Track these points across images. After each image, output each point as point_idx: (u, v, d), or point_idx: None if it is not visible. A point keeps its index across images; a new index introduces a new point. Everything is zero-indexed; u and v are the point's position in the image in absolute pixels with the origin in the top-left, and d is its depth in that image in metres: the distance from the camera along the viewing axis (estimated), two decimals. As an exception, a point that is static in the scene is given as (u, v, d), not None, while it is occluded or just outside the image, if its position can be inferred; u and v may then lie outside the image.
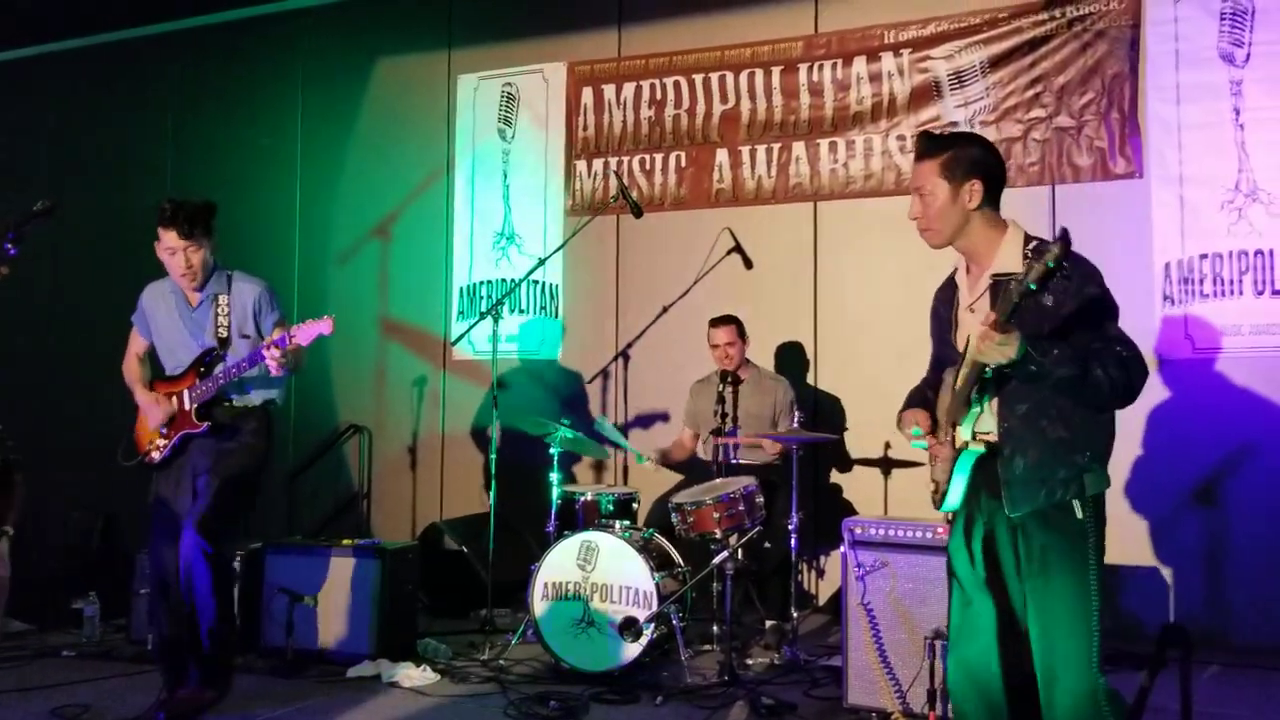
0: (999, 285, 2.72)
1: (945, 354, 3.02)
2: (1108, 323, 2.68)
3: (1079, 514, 2.69)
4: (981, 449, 2.77)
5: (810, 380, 6.42)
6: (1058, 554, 2.69)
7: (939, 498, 2.91)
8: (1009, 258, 2.77)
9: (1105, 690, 2.68)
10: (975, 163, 2.84)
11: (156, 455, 4.33)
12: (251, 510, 4.63)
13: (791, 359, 6.43)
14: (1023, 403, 2.71)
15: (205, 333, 4.29)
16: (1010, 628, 2.81)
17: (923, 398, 3.05)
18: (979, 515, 2.85)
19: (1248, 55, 5.50)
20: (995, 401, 2.76)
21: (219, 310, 4.26)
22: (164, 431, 4.31)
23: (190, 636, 4.21)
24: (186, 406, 4.26)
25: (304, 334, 3.95)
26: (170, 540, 4.22)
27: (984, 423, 2.78)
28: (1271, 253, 5.36)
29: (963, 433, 2.80)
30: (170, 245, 4.20)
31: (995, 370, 2.66)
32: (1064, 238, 2.39)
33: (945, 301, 3.04)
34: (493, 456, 5.68)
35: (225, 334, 4.25)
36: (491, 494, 5.70)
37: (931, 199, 2.83)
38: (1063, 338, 2.62)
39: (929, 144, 2.89)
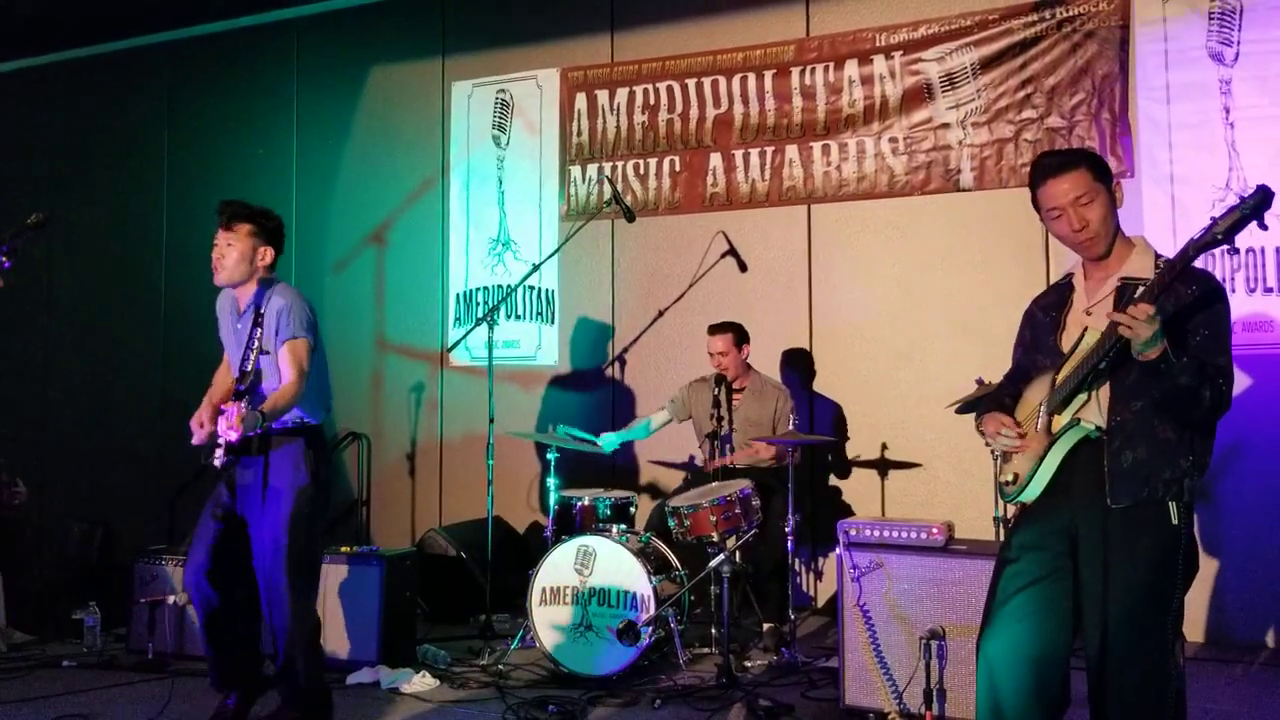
0: (1126, 288, 2.76)
1: (1032, 362, 3.03)
2: (1222, 353, 2.71)
3: (1174, 518, 2.72)
4: (1088, 429, 2.77)
5: (807, 382, 6.43)
6: (1148, 549, 2.71)
7: (1016, 489, 2.92)
8: (1140, 266, 2.81)
9: (1177, 687, 2.70)
10: (1108, 169, 2.91)
11: (217, 462, 4.00)
12: (319, 544, 4.33)
13: (790, 363, 6.44)
14: (1139, 399, 2.73)
15: (242, 346, 4.03)
16: (1075, 615, 2.81)
17: (1000, 404, 3.07)
18: (1062, 506, 2.85)
19: (1236, 54, 5.52)
20: (1105, 395, 2.77)
21: (253, 332, 3.97)
22: (218, 441, 4.03)
23: (279, 664, 4.07)
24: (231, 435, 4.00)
25: (226, 430, 3.69)
26: (206, 549, 4.08)
27: (1088, 412, 2.78)
28: (1263, 250, 5.38)
29: (1061, 420, 2.82)
30: (215, 237, 4.13)
31: (1112, 361, 2.69)
32: (1263, 190, 2.43)
33: (1052, 306, 3.04)
34: (489, 462, 5.69)
35: (249, 365, 3.92)
36: (489, 500, 5.71)
37: (1094, 207, 2.82)
38: (1182, 347, 2.65)
39: (1071, 154, 2.92)
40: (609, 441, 6.04)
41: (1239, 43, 5.51)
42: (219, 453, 3.85)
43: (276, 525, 3.99)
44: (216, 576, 4.07)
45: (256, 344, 3.90)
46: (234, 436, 3.67)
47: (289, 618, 3.98)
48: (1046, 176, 2.86)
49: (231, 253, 4.09)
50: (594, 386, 6.96)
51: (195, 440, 4.07)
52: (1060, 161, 2.87)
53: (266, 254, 4.16)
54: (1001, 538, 5.23)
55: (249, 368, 3.91)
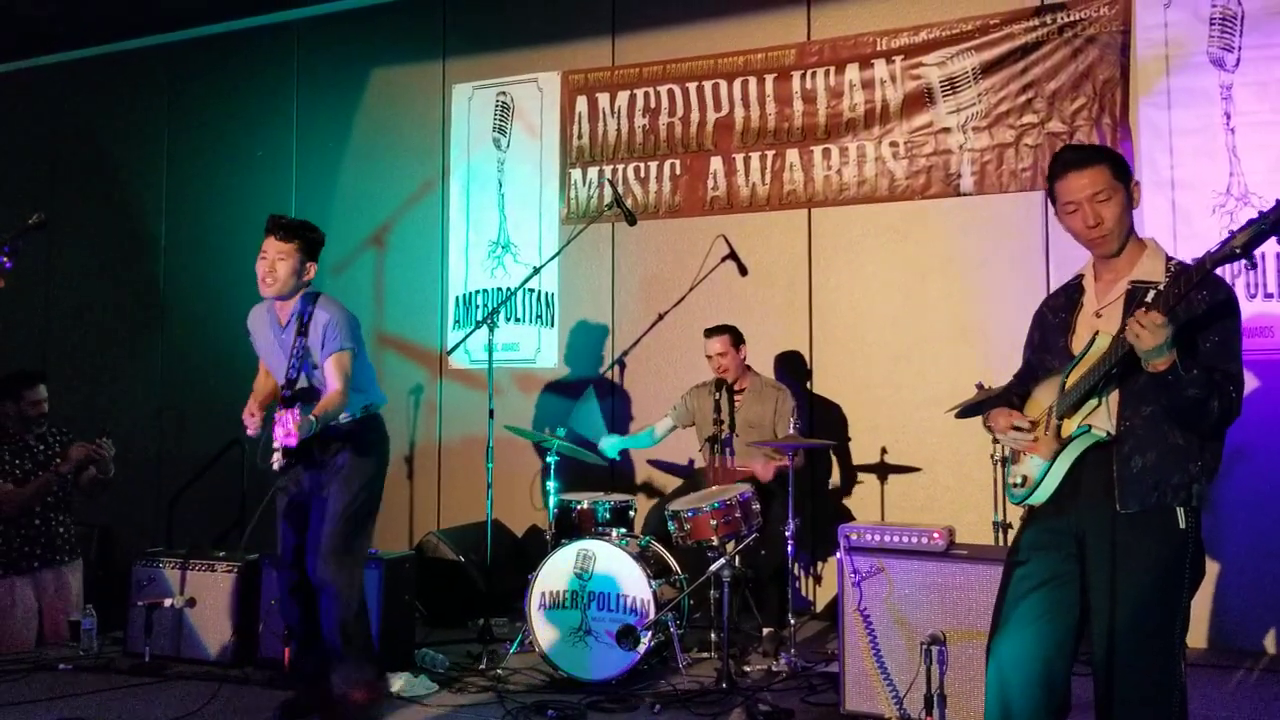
0: (1136, 291, 2.76)
1: (1041, 362, 3.03)
2: (1233, 361, 2.72)
3: (1182, 523, 2.71)
4: (1099, 435, 2.77)
5: (807, 386, 6.43)
6: (1156, 554, 2.71)
7: (1025, 492, 2.91)
8: (1151, 269, 2.81)
9: (1182, 689, 2.69)
10: (1128, 169, 2.91)
11: (276, 467, 4.16)
12: (373, 525, 4.57)
13: (791, 368, 6.43)
14: (1149, 404, 2.73)
15: (290, 356, 4.26)
16: (1082, 619, 2.81)
17: (1008, 404, 3.07)
18: (1070, 510, 2.85)
19: (1237, 60, 5.52)
20: (1115, 400, 2.77)
21: (296, 342, 4.24)
22: (275, 446, 4.20)
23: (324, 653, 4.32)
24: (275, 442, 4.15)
25: (283, 438, 3.84)
26: (297, 536, 4.33)
27: (1098, 418, 2.78)
28: (1264, 256, 5.38)
29: (1071, 426, 2.81)
30: (264, 249, 4.25)
31: (1123, 366, 2.69)
32: None
33: (1061, 308, 3.04)
34: (489, 466, 5.68)
35: (294, 374, 4.22)
36: (488, 503, 5.70)
37: (1110, 204, 2.82)
38: (1191, 355, 2.65)
39: (1093, 151, 2.93)
40: (610, 446, 6.02)
41: (1240, 48, 5.51)
42: (276, 457, 4.00)
43: (338, 507, 4.24)
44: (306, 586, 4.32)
45: (303, 354, 4.15)
46: (293, 441, 3.82)
47: (338, 600, 4.19)
48: (1067, 170, 2.87)
49: (284, 267, 4.24)
50: (593, 389, 6.94)
51: (250, 431, 4.24)
52: (1082, 156, 2.88)
53: (311, 269, 4.35)
54: (1002, 542, 5.23)
55: (295, 377, 4.17)
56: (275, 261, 4.23)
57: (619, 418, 6.83)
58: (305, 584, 4.32)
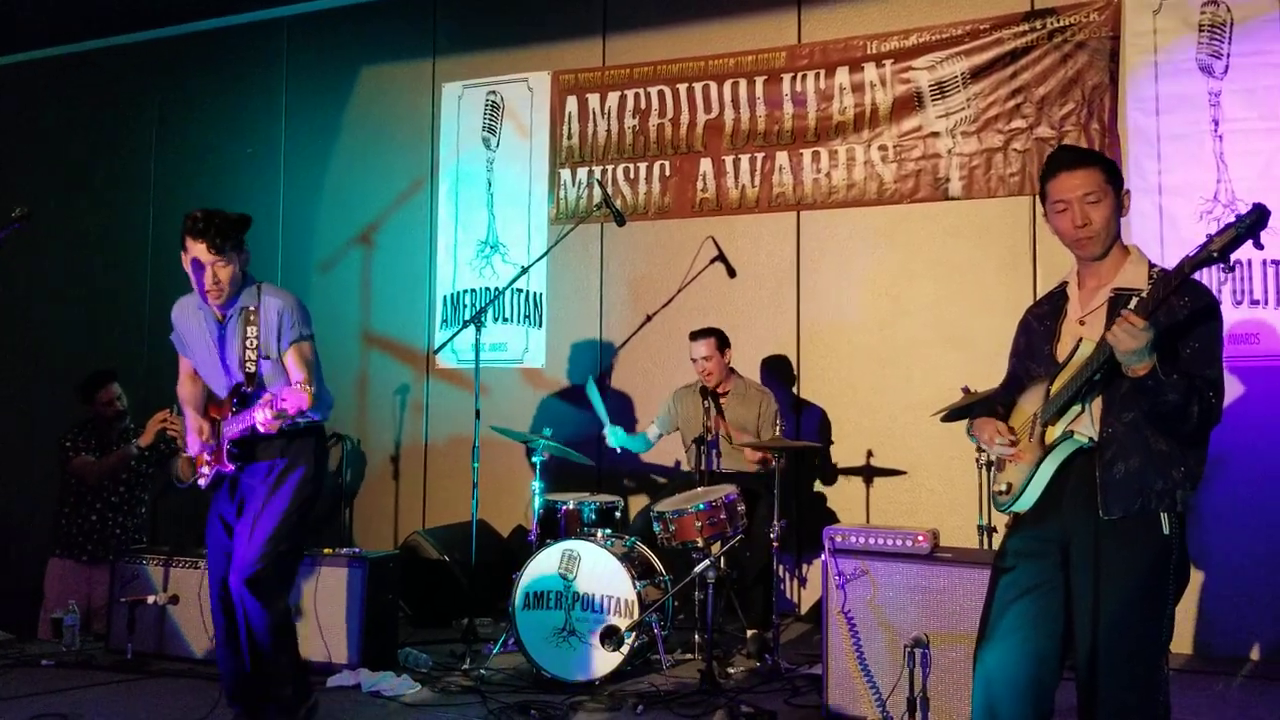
0: (1120, 298, 2.76)
1: (1026, 370, 3.04)
2: (1212, 367, 2.72)
3: (1165, 529, 2.71)
4: (1081, 441, 2.77)
5: (793, 389, 6.43)
6: (1140, 560, 2.71)
7: (1010, 499, 2.92)
8: (1133, 276, 2.82)
9: (1166, 696, 2.70)
10: (1121, 176, 2.93)
11: (202, 482, 4.09)
12: (305, 544, 4.33)
13: (776, 371, 6.44)
14: (1130, 410, 2.73)
15: (234, 352, 3.95)
16: (1069, 627, 2.80)
17: (993, 411, 3.07)
18: (1054, 517, 2.85)
19: (1226, 67, 5.54)
20: (1098, 406, 2.78)
21: (247, 332, 3.90)
22: (207, 459, 4.05)
23: (261, 681, 4.01)
24: (222, 441, 3.98)
25: (291, 403, 3.59)
26: (225, 559, 4.01)
27: (1081, 424, 2.79)
28: (1250, 263, 5.40)
29: (1055, 432, 2.82)
30: (199, 258, 3.85)
31: (1105, 373, 2.69)
32: (1260, 209, 2.43)
33: (1046, 315, 3.05)
34: (474, 465, 5.67)
35: (253, 367, 3.89)
36: (473, 503, 5.69)
37: (1100, 207, 2.83)
38: (1172, 361, 2.65)
39: (1088, 153, 2.96)
40: (616, 436, 5.95)
41: (1229, 55, 5.53)
42: (204, 470, 3.96)
43: (271, 522, 3.92)
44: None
45: (255, 344, 3.85)
46: (276, 427, 3.71)
47: (267, 617, 3.91)
48: (1060, 169, 2.88)
49: (226, 273, 3.89)
50: (581, 390, 6.93)
51: (192, 450, 4.09)
52: (1077, 157, 2.91)
53: (247, 259, 4.02)
54: (987, 546, 5.23)
55: (251, 370, 3.88)
56: (215, 270, 3.86)
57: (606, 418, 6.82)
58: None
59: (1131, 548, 2.71)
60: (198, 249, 3.84)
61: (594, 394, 5.84)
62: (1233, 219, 2.46)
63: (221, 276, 3.88)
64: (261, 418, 3.66)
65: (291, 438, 4.03)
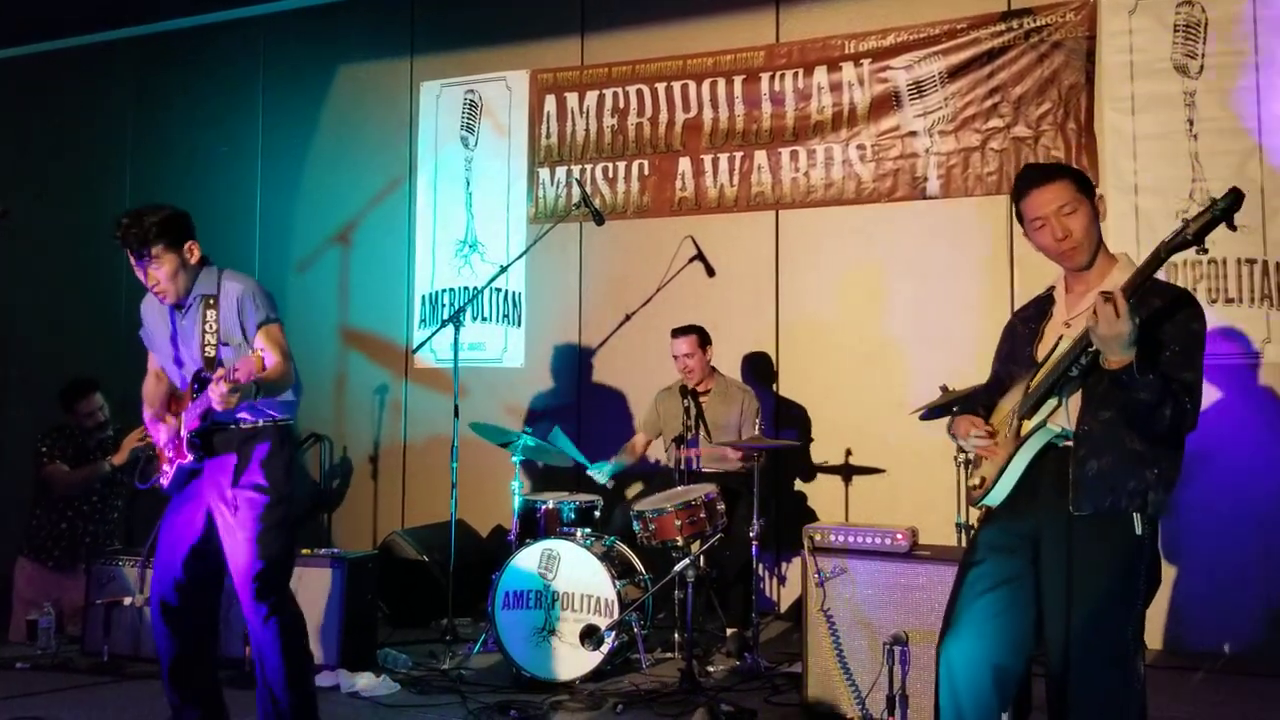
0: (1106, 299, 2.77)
1: (1009, 373, 3.04)
2: (1190, 370, 2.72)
3: (1138, 529, 2.71)
4: (1055, 431, 2.78)
5: (773, 387, 6.44)
6: (1110, 558, 2.71)
7: (983, 492, 2.92)
8: (1120, 281, 2.79)
9: (1139, 699, 2.70)
10: (1090, 184, 2.94)
11: (164, 481, 3.89)
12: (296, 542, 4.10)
13: (757, 369, 6.44)
14: (1108, 409, 2.73)
15: (194, 339, 3.74)
16: (1037, 621, 2.81)
17: (974, 412, 3.08)
18: (1027, 512, 2.86)
19: (1201, 67, 5.58)
20: (1076, 402, 2.78)
21: (207, 317, 3.68)
22: (169, 455, 3.88)
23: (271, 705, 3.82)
24: (181, 433, 3.77)
25: (244, 370, 3.36)
26: (171, 558, 3.78)
27: (1057, 419, 2.79)
28: (1225, 261, 5.44)
29: (1029, 425, 2.82)
30: (132, 261, 3.74)
31: (1084, 368, 2.70)
32: (1235, 192, 2.44)
33: (1031, 317, 3.06)
34: (453, 465, 5.65)
35: (213, 352, 3.64)
36: (453, 503, 5.67)
37: (1076, 217, 2.84)
38: (1152, 363, 2.66)
39: (1054, 167, 3.00)
40: (603, 473, 5.89)
41: (1203, 55, 5.57)
42: (165, 469, 3.79)
43: (251, 530, 3.70)
44: (186, 589, 3.79)
45: (214, 330, 3.64)
46: (234, 401, 3.39)
47: (275, 631, 3.77)
48: (1030, 187, 2.89)
49: (164, 272, 3.73)
50: (560, 389, 6.93)
51: (161, 441, 3.90)
52: (1043, 173, 2.91)
53: (193, 250, 3.82)
54: (965, 544, 5.25)
55: (211, 355, 3.63)
56: (152, 273, 3.73)
57: (585, 417, 6.81)
58: (185, 610, 3.81)
59: (1102, 546, 2.72)
60: (129, 255, 3.74)
61: (563, 441, 5.73)
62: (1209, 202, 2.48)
63: (159, 277, 3.74)
64: (216, 394, 3.40)
65: (254, 434, 3.80)
